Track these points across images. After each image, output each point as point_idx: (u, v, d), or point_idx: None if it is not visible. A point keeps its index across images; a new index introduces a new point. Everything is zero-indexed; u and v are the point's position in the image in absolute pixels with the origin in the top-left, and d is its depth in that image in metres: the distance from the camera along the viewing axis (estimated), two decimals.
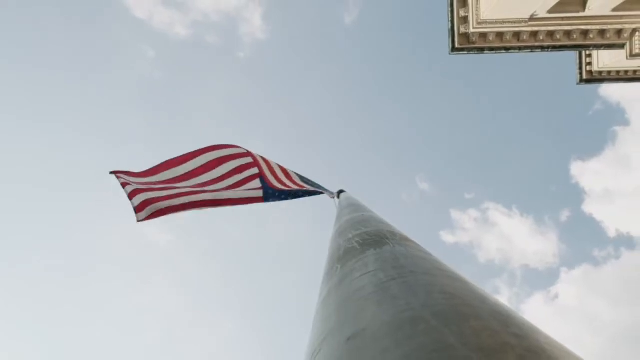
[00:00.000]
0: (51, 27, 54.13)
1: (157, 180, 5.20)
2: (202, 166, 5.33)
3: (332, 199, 4.29)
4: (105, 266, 63.68)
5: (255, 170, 5.42)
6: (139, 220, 5.16)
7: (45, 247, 60.06)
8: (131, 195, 5.04)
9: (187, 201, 5.34)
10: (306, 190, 5.32)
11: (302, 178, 5.40)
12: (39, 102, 56.46)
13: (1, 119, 55.47)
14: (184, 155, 5.33)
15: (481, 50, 14.50)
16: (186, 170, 5.30)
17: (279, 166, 5.48)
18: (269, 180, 5.34)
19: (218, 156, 5.34)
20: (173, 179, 5.26)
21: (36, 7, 51.83)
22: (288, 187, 5.30)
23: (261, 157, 5.45)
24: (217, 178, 5.35)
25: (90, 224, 62.94)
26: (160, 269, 65.74)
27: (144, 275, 65.49)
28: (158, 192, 5.19)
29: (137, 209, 5.11)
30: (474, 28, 13.89)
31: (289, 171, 5.46)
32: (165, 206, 5.28)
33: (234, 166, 5.36)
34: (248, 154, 5.44)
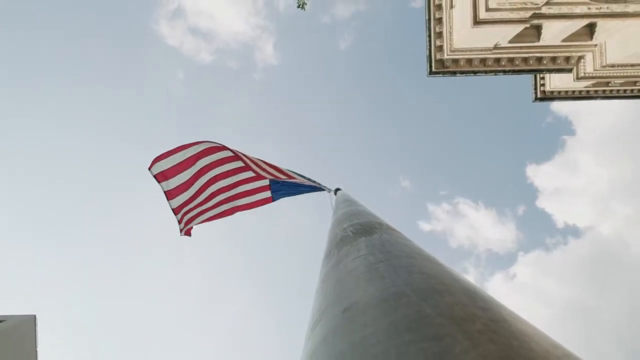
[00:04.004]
0: (100, 53, 54.13)
1: (185, 182, 5.13)
2: (214, 177, 5.26)
3: (330, 196, 4.27)
4: (142, 248, 63.65)
5: (264, 182, 5.35)
6: (181, 235, 5.37)
7: (102, 235, 60.06)
8: (176, 211, 5.18)
9: (212, 214, 5.41)
10: (308, 185, 5.25)
11: (303, 176, 5.31)
12: (90, 113, 56.49)
13: (60, 129, 55.48)
14: (192, 156, 5.15)
15: (454, 73, 14.50)
16: (204, 179, 5.22)
17: (273, 166, 5.37)
18: (274, 175, 5.25)
19: (220, 160, 5.23)
20: (198, 190, 5.22)
21: (87, 36, 51.86)
22: (291, 177, 5.22)
23: (257, 159, 5.34)
24: (231, 185, 5.30)
25: (130, 214, 62.92)
26: (186, 250, 65.68)
27: (175, 255, 65.44)
28: (192, 210, 5.27)
29: (180, 222, 5.27)
30: (447, 55, 13.90)
31: (284, 169, 5.34)
32: (198, 221, 5.40)
33: (242, 177, 5.28)
34: (237, 157, 5.28)
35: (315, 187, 5.21)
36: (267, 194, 5.44)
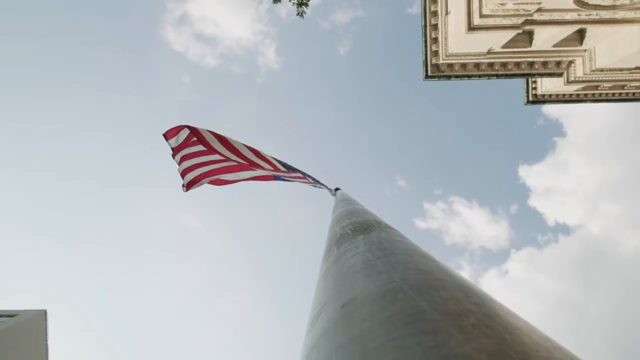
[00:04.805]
0: (108, 58, 54.17)
1: (196, 151, 5.19)
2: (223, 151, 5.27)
3: (330, 195, 4.25)
4: (150, 245, 63.68)
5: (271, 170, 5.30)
6: (185, 191, 5.40)
7: (109, 232, 60.11)
8: (182, 174, 5.21)
9: (217, 176, 5.43)
10: (309, 181, 5.22)
11: (307, 175, 5.25)
12: (99, 115, 56.51)
13: (70, 130, 55.48)
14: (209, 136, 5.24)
15: (448, 77, 14.49)
16: (215, 148, 5.24)
17: (275, 166, 5.35)
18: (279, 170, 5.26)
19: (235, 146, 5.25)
20: (205, 151, 5.24)
21: (96, 41, 51.88)
22: (294, 176, 5.23)
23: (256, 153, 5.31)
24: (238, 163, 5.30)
25: (137, 212, 62.94)
26: (191, 246, 65.71)
27: (180, 252, 65.46)
28: (198, 169, 5.27)
29: (185, 184, 5.31)
30: (443, 60, 13.89)
31: (287, 166, 5.33)
32: (202, 179, 5.39)
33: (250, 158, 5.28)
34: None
35: (314, 184, 5.17)
36: (271, 173, 5.47)
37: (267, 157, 5.21)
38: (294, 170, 5.18)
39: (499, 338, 0.32)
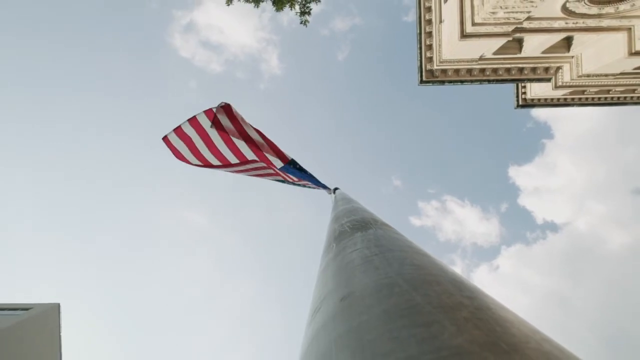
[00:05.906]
0: (118, 63, 54.22)
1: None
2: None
3: (330, 194, 4.23)
4: (156, 241, 63.73)
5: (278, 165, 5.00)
6: (163, 139, 4.34)
7: (113, 229, 60.14)
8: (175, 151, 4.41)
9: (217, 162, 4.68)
10: (309, 183, 5.06)
11: (310, 175, 5.07)
12: (111, 118, 56.55)
13: (84, 132, 55.53)
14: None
15: (442, 82, 14.49)
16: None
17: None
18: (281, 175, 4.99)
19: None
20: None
21: (107, 49, 51.95)
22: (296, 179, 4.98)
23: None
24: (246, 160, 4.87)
25: (148, 210, 62.97)
26: (197, 243, 65.76)
27: (185, 248, 65.53)
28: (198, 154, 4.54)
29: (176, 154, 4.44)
30: (437, 66, 13.89)
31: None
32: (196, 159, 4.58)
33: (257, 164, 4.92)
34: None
35: (315, 186, 5.06)
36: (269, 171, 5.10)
37: (275, 148, 4.90)
38: (297, 168, 4.98)
39: (490, 330, 0.32)
